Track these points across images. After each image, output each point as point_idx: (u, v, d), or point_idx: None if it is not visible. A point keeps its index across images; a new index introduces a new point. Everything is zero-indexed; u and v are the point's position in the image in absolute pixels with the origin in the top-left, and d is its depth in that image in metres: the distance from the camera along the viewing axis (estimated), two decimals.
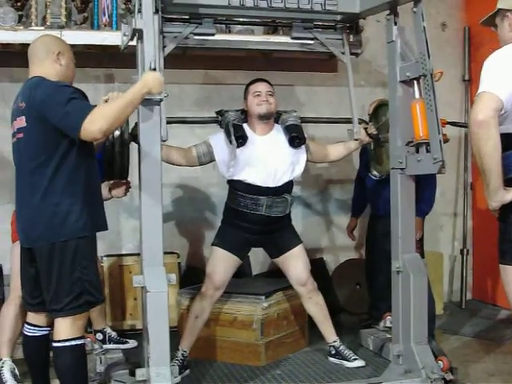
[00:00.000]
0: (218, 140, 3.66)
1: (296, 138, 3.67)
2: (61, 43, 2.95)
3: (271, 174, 3.61)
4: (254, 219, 3.62)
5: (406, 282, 3.42)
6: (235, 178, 3.63)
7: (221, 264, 3.65)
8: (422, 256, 3.78)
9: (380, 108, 3.87)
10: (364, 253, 4.55)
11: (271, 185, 3.61)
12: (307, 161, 3.78)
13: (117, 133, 3.19)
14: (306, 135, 3.75)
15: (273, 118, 3.72)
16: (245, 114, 3.73)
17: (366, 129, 3.81)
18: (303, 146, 3.73)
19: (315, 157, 3.85)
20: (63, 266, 2.71)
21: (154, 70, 2.77)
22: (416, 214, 3.58)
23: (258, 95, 3.65)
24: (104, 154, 3.28)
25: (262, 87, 3.68)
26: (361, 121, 3.86)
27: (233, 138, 3.55)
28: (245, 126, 3.68)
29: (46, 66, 2.85)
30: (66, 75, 2.89)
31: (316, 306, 3.82)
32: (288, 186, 3.71)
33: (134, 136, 3.26)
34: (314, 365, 3.78)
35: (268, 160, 3.62)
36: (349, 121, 3.87)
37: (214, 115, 3.77)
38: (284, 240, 3.76)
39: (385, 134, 3.76)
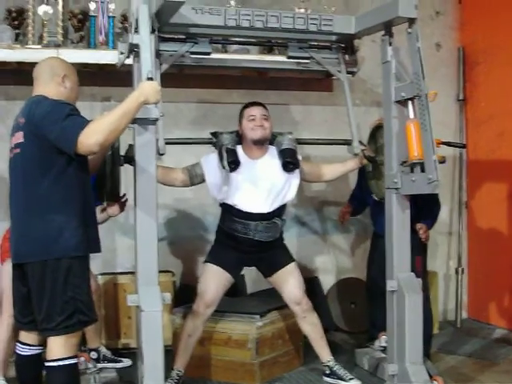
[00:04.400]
0: (209, 162, 3.65)
1: (290, 163, 3.65)
2: (67, 66, 2.98)
3: (262, 200, 3.62)
4: (245, 242, 3.64)
5: (401, 302, 3.42)
6: (226, 201, 3.64)
7: (212, 281, 3.65)
8: (425, 276, 3.78)
9: (378, 130, 3.83)
10: (362, 272, 4.52)
11: (262, 210, 3.62)
12: (301, 180, 3.78)
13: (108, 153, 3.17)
14: (300, 157, 3.75)
15: (267, 141, 3.71)
16: (239, 136, 3.72)
17: (363, 150, 3.79)
18: (297, 170, 3.72)
19: (309, 177, 3.86)
20: (56, 284, 2.69)
21: (151, 79, 2.73)
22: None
23: (253, 119, 3.63)
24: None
25: (256, 111, 3.66)
26: (359, 143, 3.83)
27: (225, 163, 3.55)
28: (238, 148, 3.67)
29: (51, 88, 2.87)
30: (69, 97, 2.90)
31: (311, 326, 3.80)
32: (280, 211, 3.70)
33: (128, 158, 3.26)
34: None
35: (260, 185, 3.62)
36: (346, 142, 3.86)
37: (209, 136, 3.77)
38: (276, 258, 3.76)
39: (382, 157, 3.74)
